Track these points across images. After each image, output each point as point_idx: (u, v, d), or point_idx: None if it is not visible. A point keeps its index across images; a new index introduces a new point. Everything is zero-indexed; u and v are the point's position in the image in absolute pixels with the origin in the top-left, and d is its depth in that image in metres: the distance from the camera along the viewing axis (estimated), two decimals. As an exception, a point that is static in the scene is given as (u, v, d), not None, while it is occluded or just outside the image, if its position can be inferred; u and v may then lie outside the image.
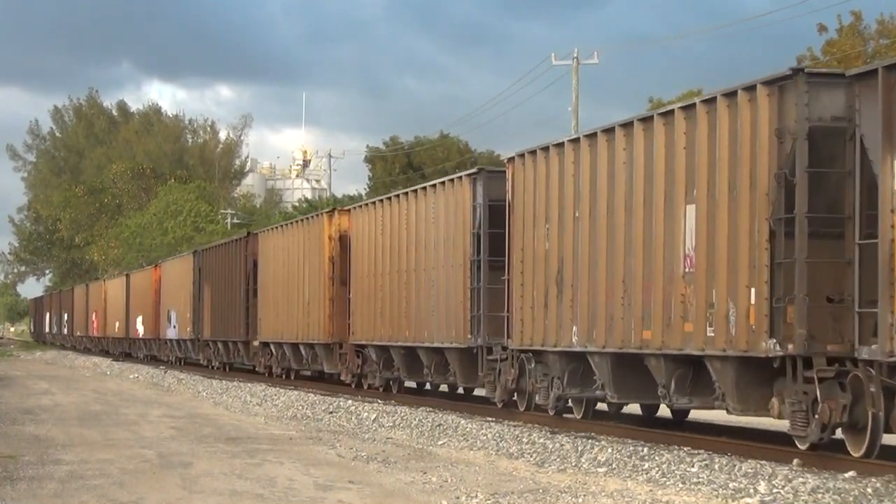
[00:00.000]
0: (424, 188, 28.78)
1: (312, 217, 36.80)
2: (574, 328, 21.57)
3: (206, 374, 47.18)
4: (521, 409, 24.37)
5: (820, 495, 13.86)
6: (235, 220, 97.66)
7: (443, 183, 27.66)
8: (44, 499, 13.97)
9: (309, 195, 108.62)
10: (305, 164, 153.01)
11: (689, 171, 18.47)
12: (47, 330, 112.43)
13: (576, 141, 21.73)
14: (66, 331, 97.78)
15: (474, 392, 30.18)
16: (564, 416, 23.08)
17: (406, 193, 29.90)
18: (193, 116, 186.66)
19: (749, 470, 15.81)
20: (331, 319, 34.12)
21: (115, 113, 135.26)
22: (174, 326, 56.25)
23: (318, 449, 19.58)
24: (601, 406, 23.20)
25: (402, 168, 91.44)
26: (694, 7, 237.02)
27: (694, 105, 18.43)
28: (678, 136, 18.70)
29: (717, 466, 16.34)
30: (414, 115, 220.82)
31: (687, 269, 18.40)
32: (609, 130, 20.55)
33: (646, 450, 18.15)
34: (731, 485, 14.75)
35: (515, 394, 24.59)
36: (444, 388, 32.58)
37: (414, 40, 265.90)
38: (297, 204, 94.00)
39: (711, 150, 17.97)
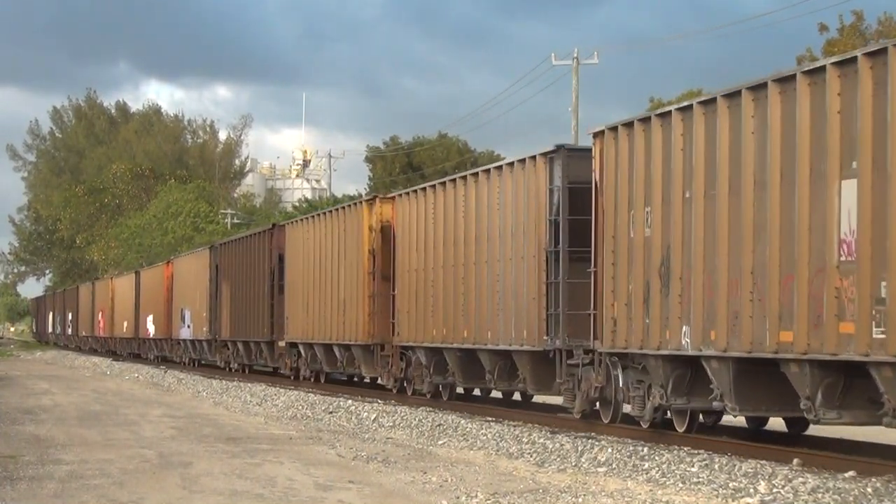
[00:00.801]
0: (487, 171, 25.60)
1: (349, 206, 33.31)
2: (684, 329, 18.52)
3: (206, 374, 47.14)
4: (606, 420, 21.57)
5: (820, 495, 13.86)
6: (235, 220, 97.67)
7: (511, 164, 24.48)
8: (44, 499, 13.97)
9: (309, 195, 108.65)
10: (305, 164, 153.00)
11: (845, 141, 15.49)
12: (50, 330, 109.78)
13: (686, 109, 18.71)
14: (70, 331, 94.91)
15: (527, 397, 28.44)
16: (663, 430, 20.04)
17: (464, 178, 26.81)
18: (193, 117, 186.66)
19: (749, 470, 15.80)
20: (370, 318, 31.27)
21: (114, 113, 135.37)
22: (188, 326, 53.19)
23: (318, 449, 19.58)
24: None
25: (402, 168, 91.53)
26: (692, 7, 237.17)
27: (854, 59, 15.34)
28: (831, 98, 15.68)
29: (717, 466, 16.33)
30: (412, 115, 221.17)
31: (844, 258, 15.47)
32: (732, 95, 17.51)
33: (646, 450, 18.15)
34: (731, 485, 14.74)
35: (598, 403, 21.82)
36: (496, 394, 29.22)
37: (412, 40, 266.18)
38: (297, 204, 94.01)
39: (879, 113, 15.02)
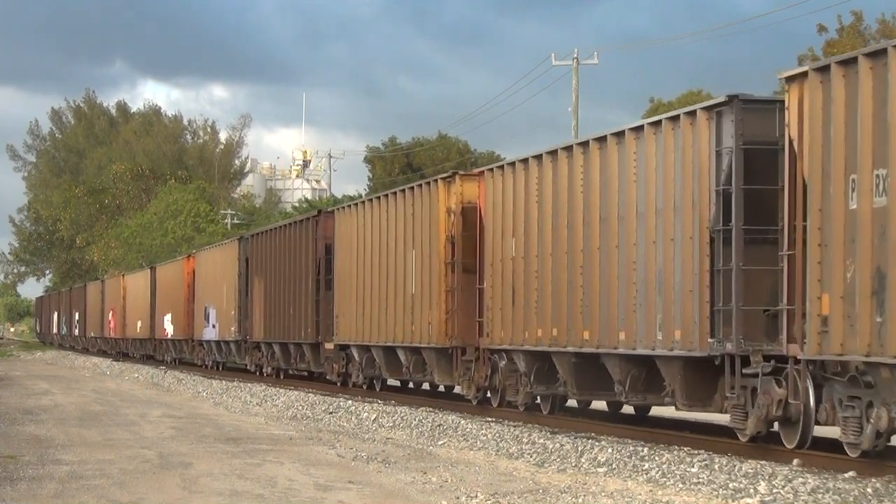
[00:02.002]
0: (619, 134, 20.50)
1: (420, 186, 28.21)
2: None
3: (206, 374, 47.12)
4: (791, 445, 17.26)
5: (820, 495, 13.86)
6: (235, 221, 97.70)
7: (656, 124, 19.59)
8: (44, 499, 13.96)
9: (309, 195, 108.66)
10: (306, 164, 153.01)
11: None
12: (55, 330, 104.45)
13: None
14: (76, 331, 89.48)
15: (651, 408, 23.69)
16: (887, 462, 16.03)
17: (584, 145, 21.70)
18: (192, 117, 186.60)
19: (749, 470, 15.81)
20: (448, 317, 26.53)
21: (114, 113, 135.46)
22: (213, 326, 48.09)
23: (318, 449, 19.58)
24: None
25: (401, 168, 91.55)
26: (689, 6, 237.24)
27: None
28: None
29: (717, 466, 16.33)
30: (409, 115, 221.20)
31: None
32: None
33: (646, 450, 18.15)
34: (731, 485, 14.74)
35: (777, 423, 17.60)
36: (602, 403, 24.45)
37: (408, 40, 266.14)
38: (296, 204, 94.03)
39: None
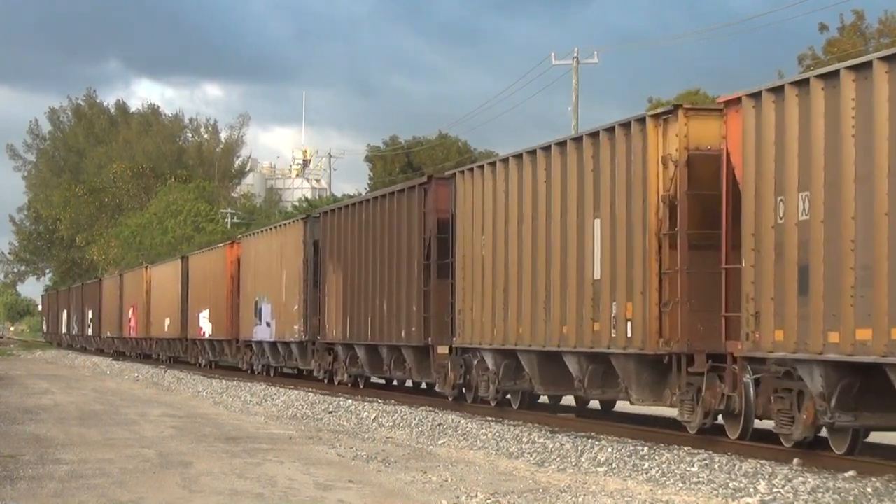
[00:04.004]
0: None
1: (613, 129, 20.33)
2: None
3: (206, 374, 47.01)
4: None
5: (820, 495, 13.87)
6: (235, 220, 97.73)
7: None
8: (44, 498, 13.96)
9: (309, 195, 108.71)
10: (306, 163, 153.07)
11: None
12: (64, 330, 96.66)
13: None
14: (90, 331, 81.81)
15: None
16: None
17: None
18: (193, 115, 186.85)
19: (749, 469, 15.81)
20: (668, 311, 19.02)
21: (114, 113, 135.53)
22: (267, 324, 40.78)
23: (317, 448, 19.58)
24: None
25: (401, 167, 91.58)
26: (684, 6, 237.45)
27: None
28: None
29: (717, 466, 16.34)
30: (405, 113, 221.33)
31: None
32: None
33: (646, 449, 18.16)
34: (731, 484, 14.75)
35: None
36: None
37: (402, 39, 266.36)
38: (297, 203, 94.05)
39: None
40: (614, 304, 20.26)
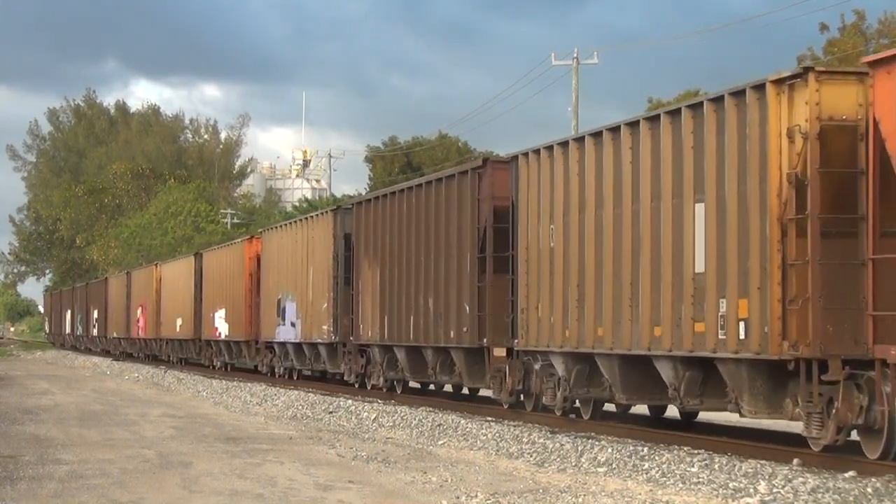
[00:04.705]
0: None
1: (721, 99, 17.77)
2: None
3: (206, 374, 47.00)
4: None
5: (820, 495, 13.86)
6: (235, 220, 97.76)
7: None
8: (44, 499, 13.96)
9: (309, 195, 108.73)
10: (306, 164, 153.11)
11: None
12: (68, 331, 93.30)
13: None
14: (95, 331, 78.85)
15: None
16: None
17: None
18: (193, 117, 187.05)
19: (749, 470, 15.81)
20: (797, 309, 16.26)
21: (114, 113, 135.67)
22: (292, 324, 38.10)
23: (318, 449, 19.58)
24: None
25: (401, 168, 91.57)
26: (680, 5, 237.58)
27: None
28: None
29: (717, 466, 16.34)
30: (403, 113, 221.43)
31: None
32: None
33: (646, 450, 18.15)
34: (731, 484, 14.75)
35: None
36: None
37: (399, 39, 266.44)
38: (297, 204, 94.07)
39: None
40: (723, 301, 17.45)
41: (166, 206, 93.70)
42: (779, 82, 16.61)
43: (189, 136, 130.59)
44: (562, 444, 19.27)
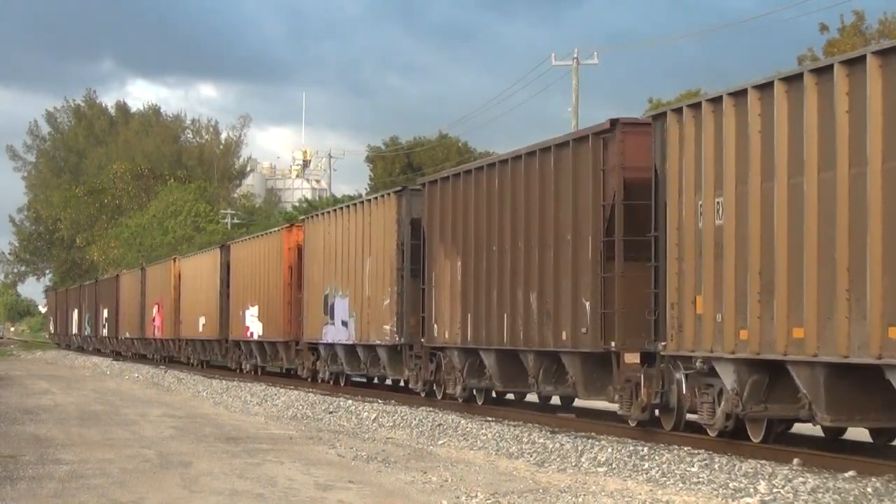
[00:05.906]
0: None
1: None
2: None
3: (206, 374, 46.97)
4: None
5: (820, 495, 13.86)
6: (235, 221, 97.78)
7: None
8: (44, 499, 13.96)
9: (309, 195, 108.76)
10: (306, 164, 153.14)
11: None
12: (74, 331, 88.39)
13: None
14: (105, 331, 73.99)
15: None
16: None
17: None
18: (195, 117, 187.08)
19: (749, 470, 15.81)
20: None
21: (114, 113, 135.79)
22: (343, 323, 33.58)
23: (318, 449, 19.58)
24: None
25: (401, 168, 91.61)
26: (682, 6, 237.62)
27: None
28: None
29: (717, 466, 16.34)
30: (402, 114, 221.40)
31: None
32: None
33: (646, 450, 18.16)
34: (731, 484, 14.75)
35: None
36: None
37: (398, 39, 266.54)
38: (297, 204, 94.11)
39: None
40: None
41: (166, 207, 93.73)
42: None
43: (189, 136, 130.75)
44: (562, 444, 19.27)
